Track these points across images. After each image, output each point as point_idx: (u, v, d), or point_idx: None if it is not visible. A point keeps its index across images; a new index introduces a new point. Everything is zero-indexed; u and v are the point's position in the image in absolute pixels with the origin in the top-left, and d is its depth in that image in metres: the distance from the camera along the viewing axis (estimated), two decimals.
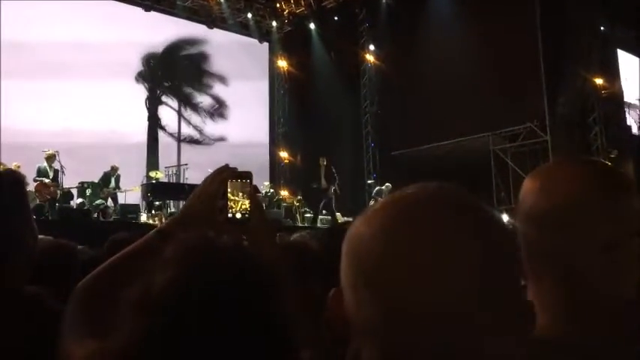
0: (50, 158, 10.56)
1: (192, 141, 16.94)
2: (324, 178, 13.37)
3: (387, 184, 14.07)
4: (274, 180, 17.06)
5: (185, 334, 0.70)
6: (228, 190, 1.20)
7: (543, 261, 0.90)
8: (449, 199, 0.61)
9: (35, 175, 10.35)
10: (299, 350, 0.77)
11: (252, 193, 1.24)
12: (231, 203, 1.20)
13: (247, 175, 1.23)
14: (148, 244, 1.14)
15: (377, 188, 14.10)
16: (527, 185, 0.95)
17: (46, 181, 10.38)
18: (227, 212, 1.20)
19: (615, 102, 13.60)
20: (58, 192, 10.62)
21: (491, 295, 0.56)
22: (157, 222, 9.72)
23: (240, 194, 1.21)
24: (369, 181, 15.67)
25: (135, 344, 0.71)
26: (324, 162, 13.43)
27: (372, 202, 13.85)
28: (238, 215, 1.20)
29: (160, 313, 0.71)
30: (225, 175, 1.21)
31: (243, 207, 1.21)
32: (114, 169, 11.82)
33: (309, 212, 14.11)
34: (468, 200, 0.61)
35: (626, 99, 13.84)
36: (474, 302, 0.55)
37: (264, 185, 14.34)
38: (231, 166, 1.24)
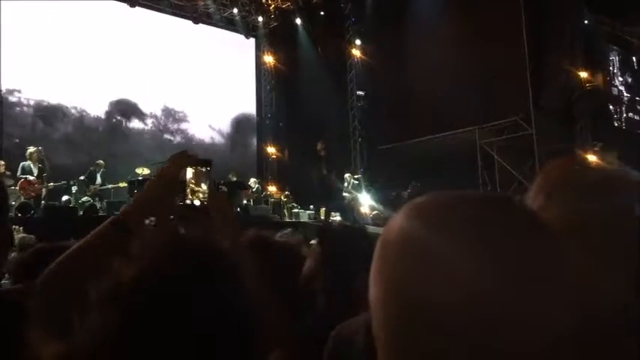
0: (33, 155, 10.55)
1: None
2: (325, 165, 12.81)
3: (346, 174, 13.91)
4: (262, 176, 17.06)
5: (154, 324, 0.71)
6: (189, 176, 1.19)
7: None
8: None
9: (19, 173, 10.37)
10: (267, 342, 0.78)
11: (213, 187, 1.23)
12: (190, 190, 1.19)
13: (207, 163, 1.23)
14: (105, 234, 1.13)
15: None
16: None
17: (31, 178, 10.35)
18: (186, 199, 1.19)
19: (600, 95, 13.71)
20: (44, 189, 10.58)
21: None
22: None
23: (200, 181, 1.21)
24: (357, 176, 15.69)
25: (106, 336, 0.72)
26: (323, 146, 12.91)
27: (345, 195, 13.73)
28: (197, 202, 1.20)
29: (131, 303, 0.72)
30: (186, 161, 1.20)
31: (202, 194, 1.20)
32: (99, 166, 11.77)
33: (297, 207, 14.11)
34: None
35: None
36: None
37: (251, 182, 14.32)
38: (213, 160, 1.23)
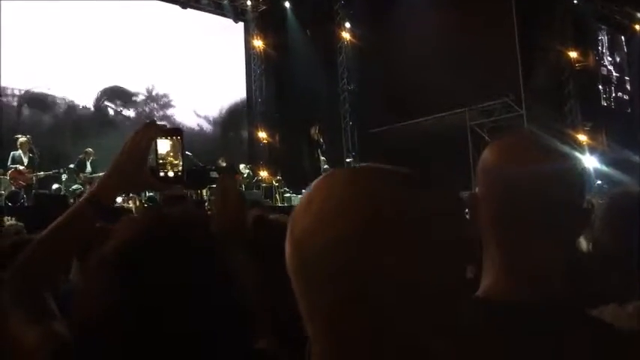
0: (23, 145, 10.49)
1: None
2: (318, 150, 12.54)
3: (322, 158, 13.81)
4: (253, 161, 17.00)
5: (130, 294, 0.72)
6: (159, 148, 1.15)
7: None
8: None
9: (9, 162, 10.32)
10: (253, 316, 0.78)
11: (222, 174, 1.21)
12: (164, 162, 1.16)
13: (177, 132, 1.18)
14: (80, 212, 1.11)
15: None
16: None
17: (21, 167, 10.31)
18: (159, 171, 1.16)
19: (589, 75, 13.76)
20: (34, 178, 10.54)
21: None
22: (131, 205, 9.65)
23: (172, 152, 1.16)
24: (348, 160, 15.70)
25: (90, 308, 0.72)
26: (317, 131, 12.67)
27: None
28: (171, 174, 1.16)
29: (111, 273, 0.73)
30: (154, 133, 1.16)
31: (175, 165, 1.17)
32: (88, 154, 11.68)
33: (289, 192, 14.11)
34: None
35: None
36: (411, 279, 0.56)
37: (241, 167, 14.29)
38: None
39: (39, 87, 14.20)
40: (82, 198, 1.15)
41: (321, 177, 0.67)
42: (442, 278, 0.57)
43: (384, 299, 0.56)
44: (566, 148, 0.97)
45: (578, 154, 0.99)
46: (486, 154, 1.00)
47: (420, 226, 0.58)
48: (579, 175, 0.95)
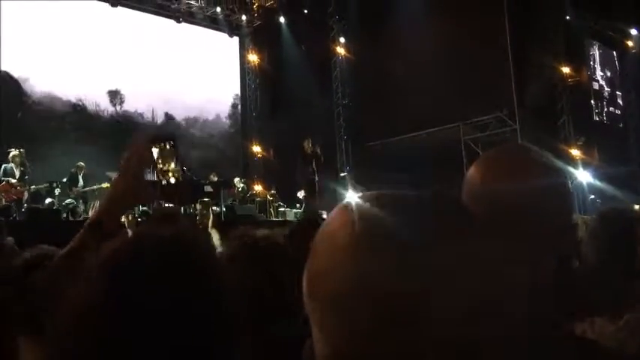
0: (15, 158, 10.41)
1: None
2: (313, 164, 12.32)
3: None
4: (247, 175, 17.01)
5: (112, 314, 0.70)
6: (155, 157, 1.15)
7: None
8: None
9: (1, 175, 10.24)
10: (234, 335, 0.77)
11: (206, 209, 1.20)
12: (159, 170, 1.15)
13: (170, 137, 1.18)
14: (83, 241, 1.12)
15: None
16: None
17: (12, 181, 10.22)
18: (160, 181, 1.15)
19: (582, 90, 13.86)
20: (26, 192, 10.46)
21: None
22: (124, 220, 9.59)
23: (167, 159, 1.16)
24: (342, 174, 15.72)
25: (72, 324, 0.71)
26: (310, 145, 12.51)
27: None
28: (172, 180, 1.16)
29: (93, 289, 0.72)
30: (143, 148, 1.15)
31: (174, 171, 1.16)
32: (79, 168, 11.63)
33: (283, 206, 14.11)
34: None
35: None
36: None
37: (235, 181, 14.28)
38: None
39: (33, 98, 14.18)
40: (86, 223, 1.16)
41: (338, 208, 0.62)
42: (473, 298, 0.55)
43: (412, 331, 0.54)
44: (551, 162, 0.96)
45: (563, 167, 0.98)
46: (471, 171, 1.00)
47: (442, 252, 0.55)
48: (564, 188, 0.95)
